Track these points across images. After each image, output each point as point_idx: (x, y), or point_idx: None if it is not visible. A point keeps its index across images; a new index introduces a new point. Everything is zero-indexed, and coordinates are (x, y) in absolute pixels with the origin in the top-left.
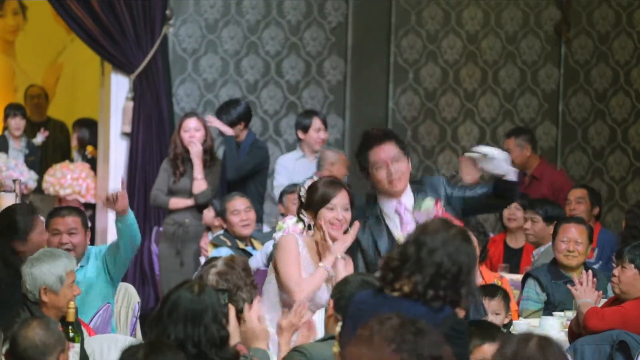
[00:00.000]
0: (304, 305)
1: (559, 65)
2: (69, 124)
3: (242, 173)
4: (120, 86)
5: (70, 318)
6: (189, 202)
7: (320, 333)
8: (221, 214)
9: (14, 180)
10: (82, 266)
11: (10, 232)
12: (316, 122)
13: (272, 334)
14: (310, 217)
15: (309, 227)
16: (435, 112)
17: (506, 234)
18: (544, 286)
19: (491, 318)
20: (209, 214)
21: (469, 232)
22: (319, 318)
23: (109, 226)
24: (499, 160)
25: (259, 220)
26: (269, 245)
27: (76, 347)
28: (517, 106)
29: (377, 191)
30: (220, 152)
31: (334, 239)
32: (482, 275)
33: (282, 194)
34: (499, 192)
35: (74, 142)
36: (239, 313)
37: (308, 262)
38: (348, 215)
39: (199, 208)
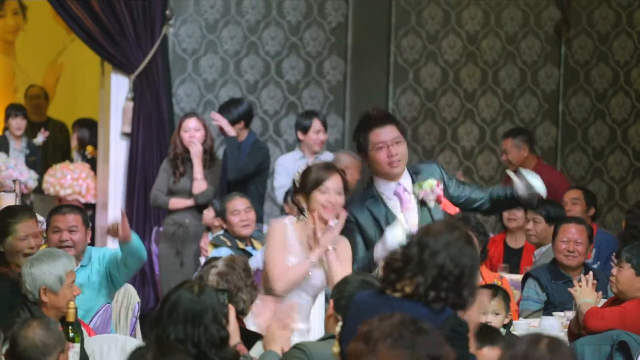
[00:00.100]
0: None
1: (559, 65)
2: (69, 124)
3: (243, 174)
4: (120, 86)
5: (70, 318)
6: (189, 202)
7: (319, 329)
8: (221, 214)
9: (14, 181)
10: (82, 266)
11: None
12: (316, 124)
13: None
14: (303, 200)
15: (302, 212)
16: (435, 112)
17: (506, 234)
18: (544, 286)
19: (491, 318)
20: (208, 214)
21: (472, 235)
22: (318, 309)
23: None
24: (536, 190)
25: (259, 220)
26: None
27: (76, 347)
28: (517, 106)
29: (373, 173)
30: (220, 152)
31: (326, 223)
32: (482, 276)
33: (287, 194)
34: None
35: (74, 142)
36: (240, 314)
37: (298, 248)
38: (341, 199)
39: (198, 208)
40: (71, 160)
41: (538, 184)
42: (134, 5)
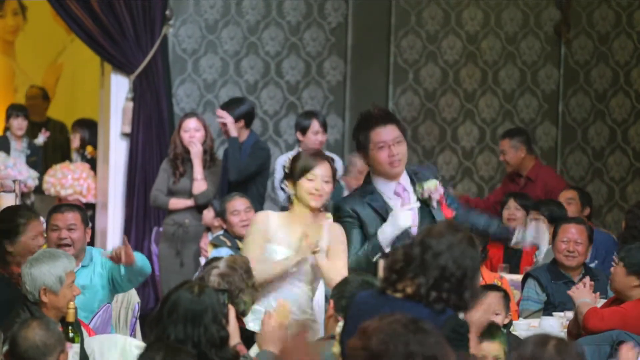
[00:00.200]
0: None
1: (559, 65)
2: (69, 125)
3: (244, 174)
4: (120, 86)
5: (70, 318)
6: (189, 202)
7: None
8: (221, 214)
9: (14, 181)
10: (83, 266)
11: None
12: (314, 125)
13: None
14: (291, 187)
15: (289, 199)
16: (435, 113)
17: None
18: (544, 286)
19: (491, 318)
20: (208, 215)
21: (474, 236)
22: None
23: (108, 226)
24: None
25: None
26: None
27: (76, 347)
28: (517, 106)
29: (372, 172)
30: (220, 153)
31: (313, 210)
32: (482, 276)
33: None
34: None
35: (75, 143)
36: (241, 315)
37: (282, 236)
38: (328, 187)
39: (198, 208)
40: (70, 161)
41: (541, 244)
42: (133, 5)
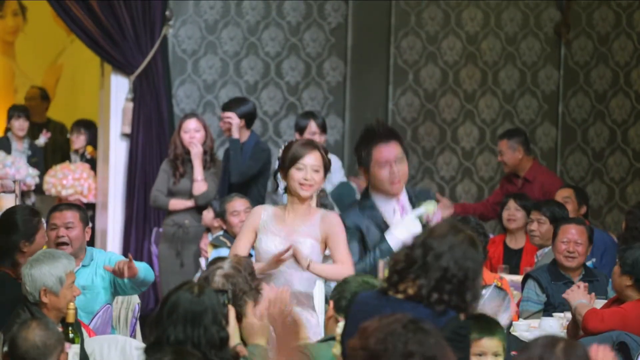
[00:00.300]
0: (299, 253)
1: (559, 66)
2: (69, 125)
3: (245, 177)
4: (120, 87)
5: (70, 319)
6: (189, 203)
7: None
8: (220, 215)
9: (14, 181)
10: (84, 266)
11: (17, 232)
12: (312, 126)
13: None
14: (282, 177)
15: (285, 190)
16: (435, 113)
17: (506, 235)
18: (544, 287)
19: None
20: (208, 215)
21: (476, 238)
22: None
23: (108, 227)
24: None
25: None
26: None
27: (76, 348)
28: (517, 107)
29: (371, 187)
30: (220, 153)
31: (303, 200)
32: (482, 276)
33: None
34: None
35: (78, 144)
36: (242, 316)
37: (272, 228)
38: (317, 177)
39: (198, 209)
40: (70, 162)
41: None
42: (133, 6)
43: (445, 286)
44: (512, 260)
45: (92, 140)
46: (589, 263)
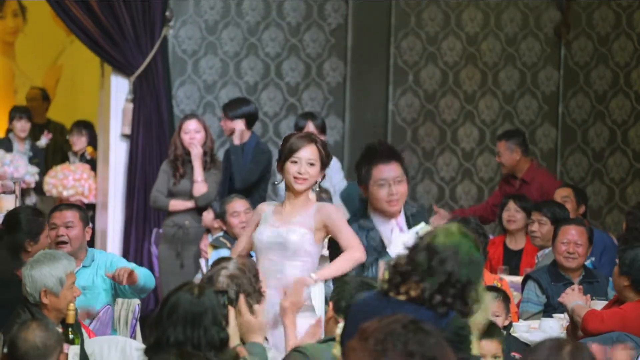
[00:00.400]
0: (303, 282)
1: (559, 67)
2: (69, 126)
3: (248, 182)
4: (120, 88)
5: (70, 320)
6: (189, 204)
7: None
8: (220, 215)
9: (15, 182)
10: (84, 266)
11: (22, 232)
12: (309, 126)
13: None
14: (278, 170)
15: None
16: (435, 114)
17: (506, 236)
18: (544, 288)
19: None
20: (208, 216)
21: (479, 241)
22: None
23: (108, 227)
24: None
25: None
26: None
27: (76, 349)
28: (517, 108)
29: (370, 205)
30: (220, 154)
31: (297, 193)
32: (484, 279)
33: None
34: None
35: (80, 145)
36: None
37: (270, 220)
38: (312, 171)
39: (198, 210)
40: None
41: None
42: (133, 6)
43: (449, 290)
44: (512, 261)
45: (91, 141)
46: (588, 262)
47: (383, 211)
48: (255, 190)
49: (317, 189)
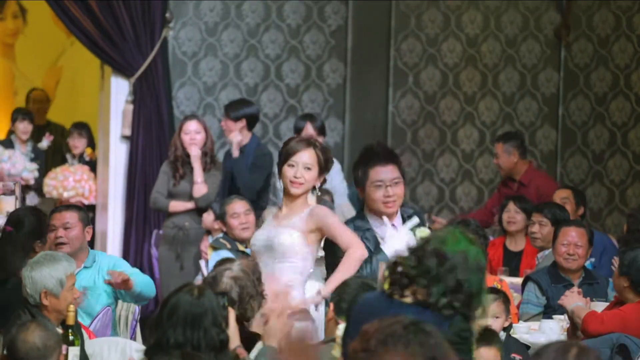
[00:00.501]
0: (286, 291)
1: (559, 68)
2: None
3: (255, 191)
4: (120, 89)
5: (70, 321)
6: (189, 205)
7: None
8: (221, 217)
9: (15, 183)
10: (86, 267)
11: (29, 232)
12: (308, 128)
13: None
14: (278, 174)
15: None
16: (435, 116)
17: (506, 237)
18: (544, 290)
19: (491, 321)
20: (208, 218)
21: (483, 246)
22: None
23: (108, 228)
24: None
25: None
26: None
27: (76, 350)
28: (516, 110)
29: (366, 207)
30: (220, 155)
31: (293, 197)
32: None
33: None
34: None
35: (80, 147)
36: (245, 321)
37: (264, 228)
38: (309, 175)
39: (198, 211)
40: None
41: None
42: (133, 7)
43: (457, 296)
44: (512, 263)
45: (90, 142)
46: (587, 263)
47: (379, 212)
48: (257, 199)
49: (318, 193)
